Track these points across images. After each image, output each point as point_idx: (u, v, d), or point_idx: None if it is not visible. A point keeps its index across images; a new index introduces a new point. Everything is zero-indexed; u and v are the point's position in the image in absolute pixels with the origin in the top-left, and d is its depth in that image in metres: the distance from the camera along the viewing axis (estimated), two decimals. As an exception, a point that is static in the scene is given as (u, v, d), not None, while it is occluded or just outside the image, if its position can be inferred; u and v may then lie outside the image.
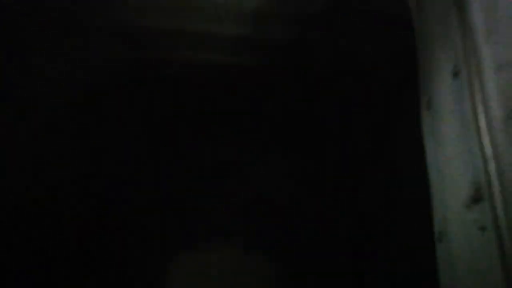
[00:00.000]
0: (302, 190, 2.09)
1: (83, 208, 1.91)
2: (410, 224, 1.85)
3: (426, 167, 1.82)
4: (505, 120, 1.33)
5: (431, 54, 1.78)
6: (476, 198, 1.39)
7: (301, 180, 2.09)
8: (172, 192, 2.05)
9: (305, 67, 2.12)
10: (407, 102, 2.12)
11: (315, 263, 2.06)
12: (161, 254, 1.93)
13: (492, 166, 1.33)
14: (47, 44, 2.00)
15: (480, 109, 1.40)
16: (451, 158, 1.56)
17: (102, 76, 1.99)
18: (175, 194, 2.05)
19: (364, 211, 2.00)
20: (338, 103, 2.15)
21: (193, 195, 2.07)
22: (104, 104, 2.07)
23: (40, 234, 1.86)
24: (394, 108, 1.99)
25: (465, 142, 1.47)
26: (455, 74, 1.56)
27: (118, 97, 2.08)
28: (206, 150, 2.11)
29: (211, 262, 1.93)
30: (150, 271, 1.92)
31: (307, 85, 2.13)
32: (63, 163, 1.93)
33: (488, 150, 1.35)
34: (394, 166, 1.93)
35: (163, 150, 2.10)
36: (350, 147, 2.07)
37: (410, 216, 1.84)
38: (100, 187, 2.01)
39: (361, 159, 2.07)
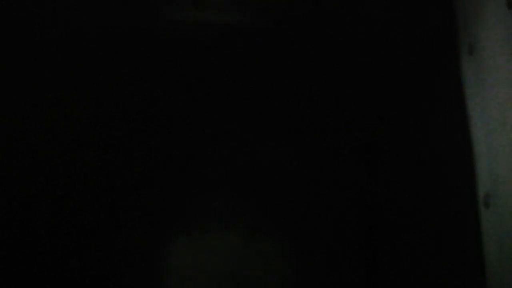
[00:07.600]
0: (315, 165, 1.82)
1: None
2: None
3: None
4: None
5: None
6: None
7: (313, 155, 1.82)
8: (167, 163, 1.78)
9: (319, 29, 1.85)
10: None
11: (324, 245, 1.80)
12: (154, 237, 1.68)
13: None
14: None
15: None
16: (506, 103, 1.29)
17: (98, 39, 1.76)
18: (171, 166, 1.78)
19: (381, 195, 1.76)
20: (353, 71, 1.87)
21: (190, 169, 1.80)
22: (98, 67, 1.84)
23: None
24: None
25: (527, 82, 1.21)
26: (513, 4, 1.30)
27: (114, 59, 1.85)
28: (204, 119, 1.84)
29: (210, 246, 1.68)
30: (144, 252, 1.67)
31: (321, 48, 1.86)
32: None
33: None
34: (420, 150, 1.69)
35: (159, 114, 1.84)
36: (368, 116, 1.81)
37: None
38: (88, 159, 1.76)
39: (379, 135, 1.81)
